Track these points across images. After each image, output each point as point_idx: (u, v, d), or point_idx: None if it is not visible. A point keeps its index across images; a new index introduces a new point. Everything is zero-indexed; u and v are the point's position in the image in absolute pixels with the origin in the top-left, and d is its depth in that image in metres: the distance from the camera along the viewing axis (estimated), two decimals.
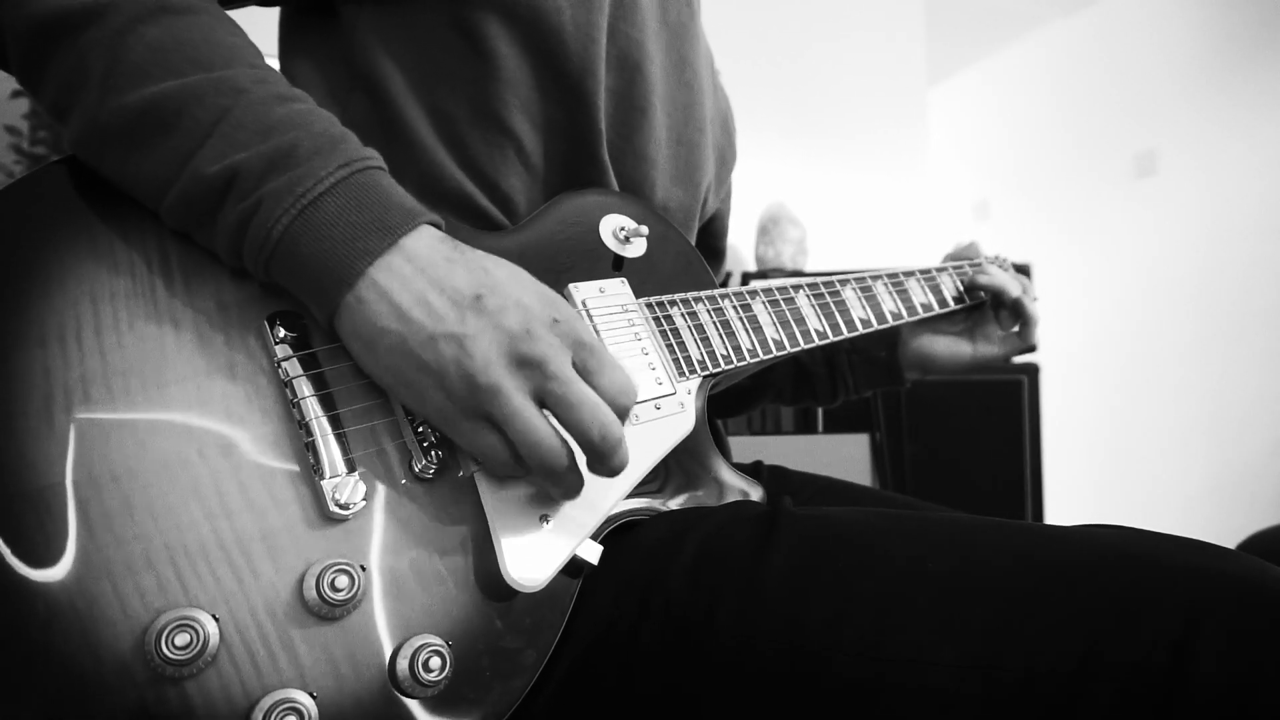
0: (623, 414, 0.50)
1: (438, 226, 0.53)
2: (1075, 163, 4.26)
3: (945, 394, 2.02)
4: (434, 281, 0.49)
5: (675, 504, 0.65)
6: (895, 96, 3.52)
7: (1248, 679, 0.41)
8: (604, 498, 0.56)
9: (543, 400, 0.48)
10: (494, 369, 0.47)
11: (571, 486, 0.50)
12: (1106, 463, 4.05)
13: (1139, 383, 3.90)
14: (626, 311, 0.64)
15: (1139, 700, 0.43)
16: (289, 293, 0.51)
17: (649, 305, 0.66)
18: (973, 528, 0.53)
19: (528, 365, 0.48)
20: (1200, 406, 3.65)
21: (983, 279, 0.94)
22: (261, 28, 0.63)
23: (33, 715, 0.40)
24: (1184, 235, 3.72)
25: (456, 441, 0.50)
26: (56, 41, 0.51)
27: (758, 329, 0.72)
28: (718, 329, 0.69)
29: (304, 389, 0.50)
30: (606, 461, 0.49)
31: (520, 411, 0.47)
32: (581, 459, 0.50)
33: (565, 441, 0.49)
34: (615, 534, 0.58)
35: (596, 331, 0.61)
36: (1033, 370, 2.02)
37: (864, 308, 0.83)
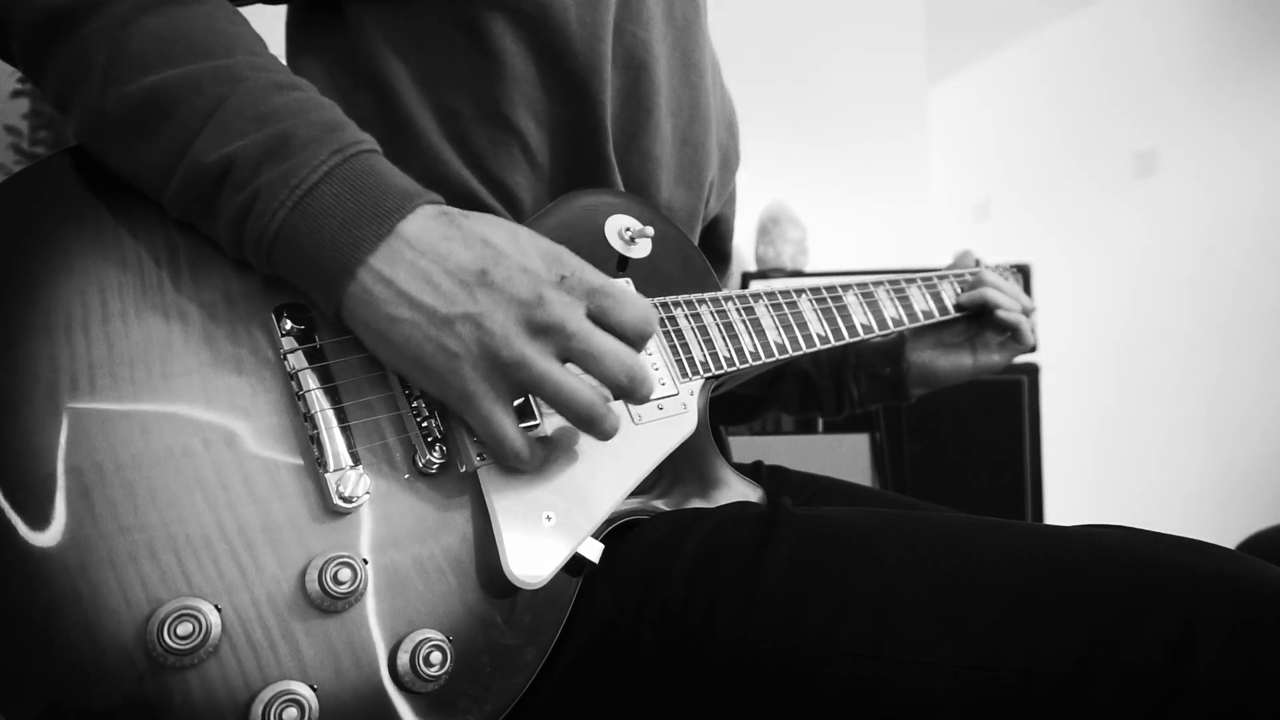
0: (647, 339, 0.52)
1: (437, 205, 0.52)
2: (1075, 163, 4.26)
3: (945, 394, 1.99)
4: (437, 262, 0.48)
5: (675, 504, 0.65)
6: (895, 96, 3.52)
7: (1247, 679, 0.42)
8: (606, 496, 0.56)
9: (567, 358, 0.49)
10: (516, 342, 0.47)
11: (609, 429, 0.51)
12: (1106, 463, 4.05)
13: (1139, 383, 3.91)
14: None
15: (1138, 700, 0.43)
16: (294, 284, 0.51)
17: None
18: (972, 528, 0.54)
19: (546, 331, 0.48)
20: (1200, 406, 3.65)
21: (964, 299, 0.94)
22: (267, 27, 0.63)
23: (34, 703, 0.40)
24: (1183, 235, 3.72)
25: (473, 425, 0.50)
26: (60, 33, 0.51)
27: (760, 332, 0.72)
28: (720, 331, 0.69)
29: (309, 382, 0.50)
30: (634, 397, 0.51)
31: (549, 374, 0.48)
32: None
33: (596, 388, 0.50)
34: (616, 533, 0.58)
35: None
36: (1032, 370, 2.02)
37: (866, 313, 0.83)
